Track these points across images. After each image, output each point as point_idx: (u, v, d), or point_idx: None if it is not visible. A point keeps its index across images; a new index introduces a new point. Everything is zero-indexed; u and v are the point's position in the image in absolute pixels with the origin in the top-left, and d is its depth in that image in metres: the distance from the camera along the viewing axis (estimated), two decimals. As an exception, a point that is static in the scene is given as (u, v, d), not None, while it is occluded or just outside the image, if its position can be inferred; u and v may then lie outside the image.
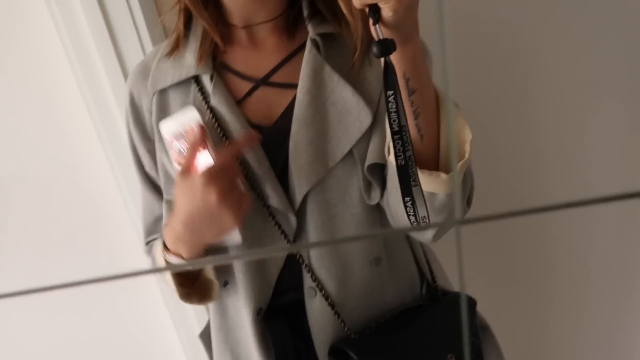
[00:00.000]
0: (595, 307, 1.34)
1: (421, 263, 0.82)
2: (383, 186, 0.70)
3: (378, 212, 0.74)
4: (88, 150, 1.05)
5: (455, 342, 0.74)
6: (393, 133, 0.54)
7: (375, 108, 0.69)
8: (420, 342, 0.75)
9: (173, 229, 0.67)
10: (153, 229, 0.84)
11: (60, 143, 1.05)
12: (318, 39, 0.70)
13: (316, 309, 0.74)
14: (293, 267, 0.74)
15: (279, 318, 0.76)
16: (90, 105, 1.00)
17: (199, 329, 0.90)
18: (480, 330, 0.86)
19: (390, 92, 0.52)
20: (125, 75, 0.95)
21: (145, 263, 0.89)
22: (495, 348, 0.88)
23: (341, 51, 0.71)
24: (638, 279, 1.28)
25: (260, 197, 0.71)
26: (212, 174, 0.60)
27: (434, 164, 0.62)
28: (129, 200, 1.05)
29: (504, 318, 0.99)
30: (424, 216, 0.60)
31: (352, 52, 0.70)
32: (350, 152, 0.69)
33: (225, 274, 0.77)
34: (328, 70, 0.70)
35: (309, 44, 0.70)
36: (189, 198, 0.62)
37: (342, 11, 0.66)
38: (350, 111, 0.69)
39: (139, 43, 0.94)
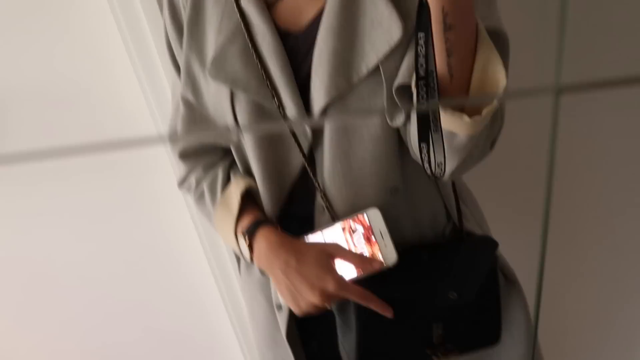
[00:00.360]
0: None
1: (448, 201, 0.78)
2: (409, 110, 0.66)
3: (398, 137, 0.69)
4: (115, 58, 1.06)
5: (463, 281, 0.71)
6: (418, 77, 0.52)
7: (412, 24, 0.63)
8: (428, 278, 0.72)
9: (271, 251, 0.71)
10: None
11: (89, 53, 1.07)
12: None
13: (323, 226, 0.73)
14: (307, 181, 0.73)
15: (290, 227, 0.75)
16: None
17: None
18: (503, 280, 0.82)
19: (421, 34, 0.50)
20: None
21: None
22: (520, 304, 0.83)
23: None
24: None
25: (279, 106, 0.69)
26: (342, 288, 0.65)
27: (460, 105, 0.58)
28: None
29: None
30: (440, 162, 0.57)
31: None
32: (377, 68, 0.65)
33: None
34: None
35: None
36: (306, 272, 0.66)
37: None
38: (382, 22, 0.64)
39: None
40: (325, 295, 0.66)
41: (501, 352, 0.86)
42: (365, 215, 0.69)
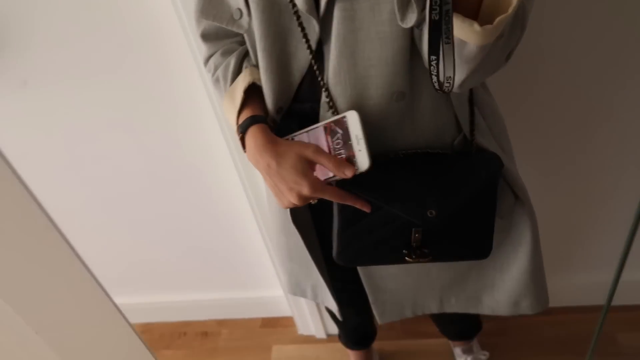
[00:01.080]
0: None
1: (460, 112, 0.76)
2: (422, 10, 0.61)
3: (409, 39, 0.66)
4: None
5: (449, 198, 0.72)
6: None
7: None
8: (415, 189, 0.72)
9: (257, 150, 0.72)
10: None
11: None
12: None
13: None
14: (314, 77, 0.73)
15: (293, 121, 0.77)
16: None
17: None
18: (512, 199, 0.83)
19: None
20: None
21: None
22: (528, 223, 0.84)
23: None
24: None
25: None
26: (316, 190, 0.69)
27: (473, 13, 0.55)
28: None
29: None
30: (449, 76, 0.55)
31: None
32: None
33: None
34: None
35: None
36: (284, 174, 0.70)
37: None
38: None
39: None
40: (301, 196, 0.70)
41: (503, 264, 0.89)
42: (345, 117, 0.70)
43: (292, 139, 0.74)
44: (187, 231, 1.59)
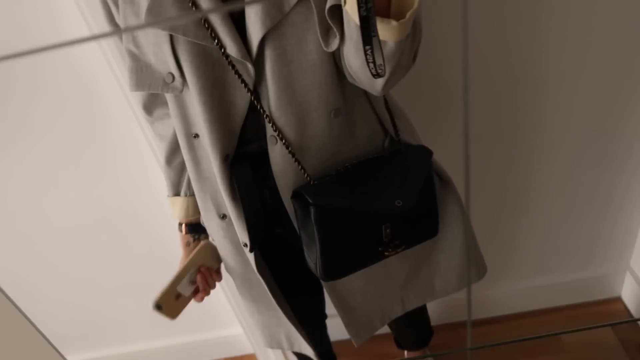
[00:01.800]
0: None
1: (383, 118, 0.85)
2: (342, 33, 0.69)
3: (334, 62, 0.74)
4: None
5: (405, 189, 0.81)
6: None
7: None
8: (374, 188, 0.80)
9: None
10: None
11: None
12: None
13: (278, 156, 0.79)
14: (256, 116, 0.78)
15: (244, 165, 0.82)
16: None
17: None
18: (438, 181, 0.93)
19: None
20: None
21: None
22: (455, 200, 0.96)
23: None
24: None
25: (219, 46, 0.72)
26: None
27: (386, 12, 0.63)
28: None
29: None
30: (381, 64, 0.62)
31: None
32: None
33: (193, 127, 0.81)
34: None
35: None
36: None
37: None
38: None
39: None
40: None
41: (445, 245, 0.99)
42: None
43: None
44: (139, 278, 1.56)
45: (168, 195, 1.00)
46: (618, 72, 1.20)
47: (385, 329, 1.43)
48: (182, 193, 0.97)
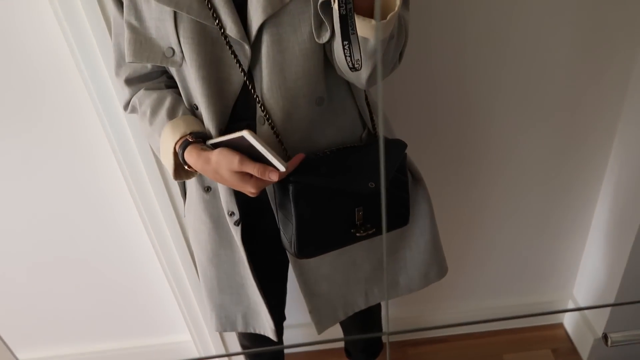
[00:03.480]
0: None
1: (363, 111, 0.91)
2: (333, 28, 0.75)
3: (323, 53, 0.81)
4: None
5: (378, 174, 0.86)
6: None
7: None
8: (350, 172, 0.86)
9: (201, 167, 0.79)
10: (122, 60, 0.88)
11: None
12: None
13: (264, 136, 0.83)
14: (248, 97, 0.82)
15: None
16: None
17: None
18: (410, 177, 0.98)
19: None
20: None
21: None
22: (425, 198, 1.02)
23: None
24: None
25: (220, 26, 0.77)
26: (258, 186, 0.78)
27: (369, 12, 0.68)
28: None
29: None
30: (358, 59, 0.68)
31: None
32: None
33: (193, 99, 0.84)
34: None
35: None
36: (225, 179, 0.78)
37: None
38: None
39: None
40: (250, 192, 0.79)
41: (412, 241, 1.05)
42: (242, 136, 0.74)
43: (218, 145, 0.79)
44: (91, 280, 1.52)
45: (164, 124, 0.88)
46: (565, 107, 1.27)
47: (339, 344, 1.45)
48: (181, 113, 0.88)
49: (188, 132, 0.82)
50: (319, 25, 0.76)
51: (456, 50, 1.17)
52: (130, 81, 0.90)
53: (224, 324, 1.08)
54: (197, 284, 1.43)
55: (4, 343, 0.65)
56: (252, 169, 0.76)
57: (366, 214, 0.89)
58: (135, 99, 0.91)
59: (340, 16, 0.63)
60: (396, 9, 0.66)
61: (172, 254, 1.38)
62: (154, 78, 0.90)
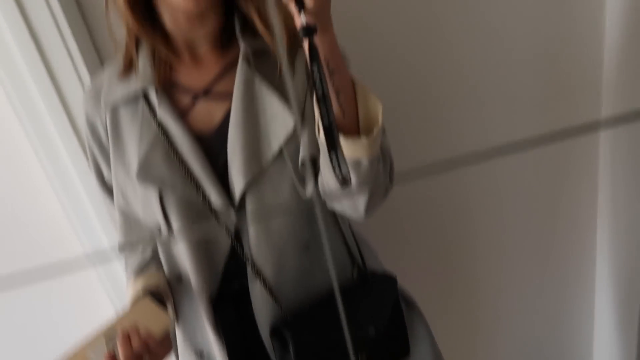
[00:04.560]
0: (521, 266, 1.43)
1: (351, 247, 0.91)
2: (316, 177, 0.79)
3: (304, 203, 0.82)
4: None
5: (377, 316, 0.85)
6: (317, 100, 0.62)
7: (302, 110, 0.79)
8: (347, 319, 0.82)
9: None
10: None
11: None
12: (249, 52, 0.79)
13: (257, 294, 0.83)
14: (237, 257, 0.83)
15: (227, 305, 0.85)
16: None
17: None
18: (405, 306, 0.96)
19: (314, 65, 0.60)
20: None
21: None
22: (421, 322, 0.98)
23: (270, 62, 0.81)
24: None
25: (204, 197, 0.79)
26: None
27: (356, 134, 0.72)
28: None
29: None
30: (347, 173, 0.68)
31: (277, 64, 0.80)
32: (280, 152, 0.78)
33: (177, 268, 0.86)
34: (258, 81, 0.79)
35: (241, 58, 0.80)
36: None
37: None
38: (277, 116, 0.78)
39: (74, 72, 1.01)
40: None
41: None
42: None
43: None
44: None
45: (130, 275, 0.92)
46: (565, 169, 1.30)
47: None
48: (155, 269, 0.91)
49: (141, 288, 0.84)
50: (303, 180, 0.79)
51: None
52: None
53: None
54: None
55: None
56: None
57: (371, 355, 0.87)
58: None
59: (325, 128, 0.63)
60: (380, 123, 0.69)
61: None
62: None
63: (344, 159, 0.68)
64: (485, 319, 1.46)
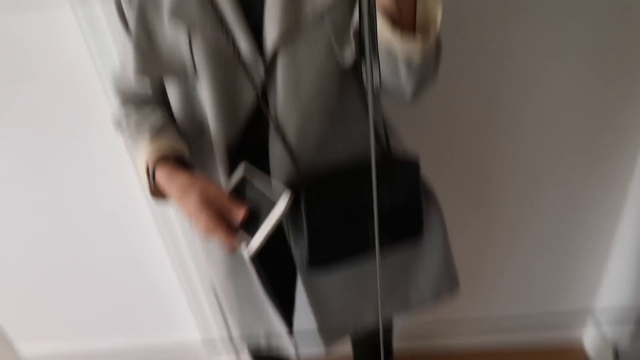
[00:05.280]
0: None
1: (378, 128, 0.90)
2: (359, 50, 0.76)
3: (338, 72, 0.80)
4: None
5: (394, 193, 0.87)
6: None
7: None
8: (364, 187, 0.84)
9: (169, 188, 0.78)
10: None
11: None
12: None
13: (277, 153, 0.82)
14: (261, 114, 0.81)
15: (244, 155, 0.84)
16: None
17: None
18: (423, 196, 0.96)
19: None
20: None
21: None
22: (437, 213, 1.00)
23: None
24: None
25: (233, 47, 0.77)
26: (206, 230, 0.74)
27: (412, 31, 0.70)
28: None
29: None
30: (378, 81, 0.72)
31: None
32: (322, 13, 0.75)
33: (200, 115, 0.83)
34: None
35: None
36: (185, 207, 0.75)
37: None
38: None
39: None
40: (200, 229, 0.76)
41: (424, 257, 1.02)
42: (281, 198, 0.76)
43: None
44: (100, 278, 1.54)
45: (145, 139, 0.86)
46: (588, 114, 1.24)
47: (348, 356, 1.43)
48: (175, 133, 0.86)
49: (167, 151, 0.81)
50: (341, 45, 0.76)
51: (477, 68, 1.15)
52: (127, 102, 0.90)
53: (249, 340, 1.07)
54: (205, 283, 1.44)
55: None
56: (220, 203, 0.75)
57: (382, 225, 0.87)
58: (122, 116, 0.90)
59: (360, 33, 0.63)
60: (438, 23, 0.67)
61: (183, 256, 1.39)
62: (150, 102, 0.89)
63: (377, 67, 0.67)
64: (501, 233, 1.44)
